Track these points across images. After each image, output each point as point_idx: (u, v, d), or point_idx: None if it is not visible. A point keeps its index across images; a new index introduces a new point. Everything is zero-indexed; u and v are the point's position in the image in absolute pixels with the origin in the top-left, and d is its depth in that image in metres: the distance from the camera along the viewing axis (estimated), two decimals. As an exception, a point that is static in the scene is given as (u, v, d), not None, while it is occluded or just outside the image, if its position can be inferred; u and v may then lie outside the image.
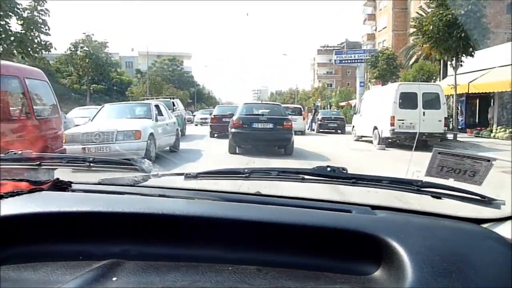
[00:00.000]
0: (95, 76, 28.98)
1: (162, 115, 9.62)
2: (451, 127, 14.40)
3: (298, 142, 14.74)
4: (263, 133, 10.16)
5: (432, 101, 13.75)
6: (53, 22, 30.63)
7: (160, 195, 1.16)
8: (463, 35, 13.96)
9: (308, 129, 24.71)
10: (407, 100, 13.61)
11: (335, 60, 28.80)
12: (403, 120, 13.53)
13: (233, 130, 10.22)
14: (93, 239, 0.93)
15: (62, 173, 1.52)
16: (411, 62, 27.38)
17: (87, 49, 27.78)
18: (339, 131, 22.70)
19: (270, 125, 10.20)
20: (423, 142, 13.61)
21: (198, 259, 0.88)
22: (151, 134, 8.23)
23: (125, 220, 0.94)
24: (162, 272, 0.83)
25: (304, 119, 22.05)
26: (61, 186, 1.17)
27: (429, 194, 1.12)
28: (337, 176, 1.18)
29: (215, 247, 0.91)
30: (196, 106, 62.68)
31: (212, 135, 15.83)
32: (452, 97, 16.75)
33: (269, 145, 10.62)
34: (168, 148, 10.19)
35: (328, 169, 1.18)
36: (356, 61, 28.04)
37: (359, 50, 29.53)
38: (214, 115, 16.53)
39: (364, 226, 0.91)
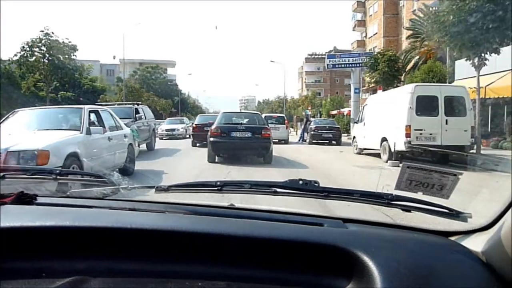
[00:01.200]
0: (57, 81, 25.49)
1: (101, 125, 6.61)
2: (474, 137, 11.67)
3: (290, 154, 12.98)
4: (242, 142, 10.01)
5: (456, 106, 11.12)
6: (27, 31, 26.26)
7: (129, 209, 1.10)
8: (490, 26, 11.29)
9: (299, 140, 22.04)
10: (425, 105, 10.95)
11: (327, 65, 26.14)
12: (421, 130, 10.86)
13: (211, 139, 9.98)
14: (57, 255, 0.88)
15: (28, 186, 1.29)
16: (409, 67, 24.91)
17: (44, 49, 23.90)
18: (334, 142, 20.09)
19: (249, 134, 10.09)
20: (444, 157, 10.97)
21: (167, 275, 0.86)
22: (72, 155, 5.29)
23: (92, 234, 0.91)
24: None
25: (287, 127, 21.16)
26: (25, 199, 1.09)
27: (399, 208, 1.13)
28: (309, 189, 1.18)
29: (185, 262, 0.89)
30: (181, 115, 59.67)
31: (194, 144, 15.63)
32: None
33: (248, 154, 10.53)
34: (116, 170, 7.27)
35: (300, 182, 1.18)
36: (350, 65, 25.44)
37: (353, 54, 26.97)
38: (195, 124, 16.42)
39: (336, 239, 0.90)
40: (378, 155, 12.54)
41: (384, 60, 21.00)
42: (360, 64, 25.29)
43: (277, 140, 18.92)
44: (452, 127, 10.82)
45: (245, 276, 0.86)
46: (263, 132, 10.24)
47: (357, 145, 14.84)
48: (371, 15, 47.38)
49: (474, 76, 14.56)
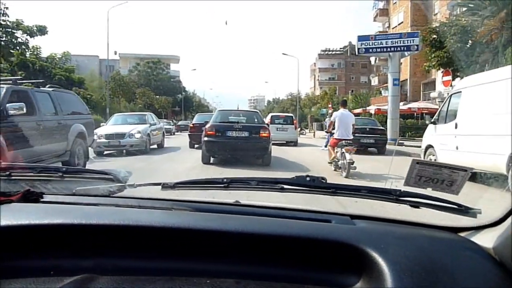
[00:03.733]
0: (22, 70, 19.25)
1: None
2: None
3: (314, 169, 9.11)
4: (238, 142, 9.03)
5: None
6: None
7: (136, 206, 1.08)
8: None
9: (325, 146, 15.76)
10: None
11: (359, 49, 19.80)
12: None
13: (205, 138, 9.07)
14: (65, 253, 0.87)
15: (34, 184, 1.23)
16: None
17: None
18: (373, 149, 13.96)
19: (246, 134, 9.15)
20: None
21: (175, 272, 0.84)
22: None
23: (99, 232, 0.89)
24: (137, 287, 0.80)
25: (296, 128, 18.90)
26: (32, 197, 1.06)
27: (407, 204, 1.11)
28: (316, 186, 1.15)
29: (192, 259, 0.87)
30: (185, 114, 53.75)
31: (192, 146, 13.96)
32: None
33: (245, 155, 9.56)
34: None
35: (307, 178, 1.15)
36: (388, 49, 19.07)
37: (393, 34, 20.54)
38: (193, 124, 14.93)
39: (344, 236, 0.88)
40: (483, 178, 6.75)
41: (455, 32, 14.28)
42: (403, 48, 18.93)
43: (285, 142, 16.82)
44: None
45: (253, 273, 0.84)
46: (261, 132, 9.32)
47: (436, 159, 8.52)
48: (395, 3, 41.06)
49: None
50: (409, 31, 35.21)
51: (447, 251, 0.87)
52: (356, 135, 14.03)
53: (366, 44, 19.72)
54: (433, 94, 33.22)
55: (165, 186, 1.20)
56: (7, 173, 1.22)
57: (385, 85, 44.69)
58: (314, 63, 67.83)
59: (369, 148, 14.12)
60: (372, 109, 28.65)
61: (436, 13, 34.61)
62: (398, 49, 19.00)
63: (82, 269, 0.81)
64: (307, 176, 1.14)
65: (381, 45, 19.35)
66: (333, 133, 8.81)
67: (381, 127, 15.19)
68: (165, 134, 28.79)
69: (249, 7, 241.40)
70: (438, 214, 1.08)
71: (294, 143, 17.24)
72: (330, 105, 30.74)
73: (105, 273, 0.81)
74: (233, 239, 0.87)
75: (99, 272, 0.81)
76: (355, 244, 0.83)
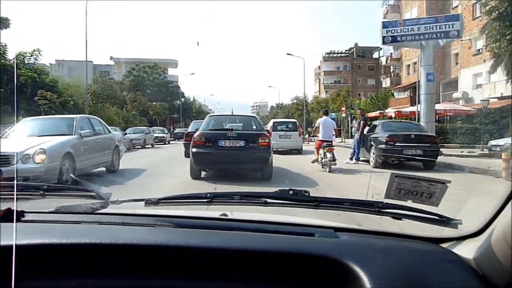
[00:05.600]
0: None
1: None
2: None
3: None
4: (232, 152, 7.65)
5: None
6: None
7: (119, 223, 1.03)
8: None
9: (351, 158, 11.95)
10: None
11: (384, 37, 15.93)
12: None
13: (194, 149, 7.72)
14: (46, 273, 0.84)
15: (14, 203, 1.13)
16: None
17: None
18: (414, 163, 10.12)
19: (242, 143, 7.68)
20: None
21: None
22: None
23: (82, 251, 0.87)
24: None
25: (300, 135, 17.75)
26: (11, 216, 1.01)
27: (389, 215, 1.11)
28: (299, 199, 1.15)
29: (176, 277, 0.86)
30: (185, 121, 49.98)
31: (187, 155, 11.40)
32: None
33: (241, 168, 8.08)
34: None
35: (291, 192, 1.15)
36: (422, 36, 15.23)
37: (427, 19, 16.69)
38: (188, 132, 13.61)
39: (327, 250, 0.88)
40: None
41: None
42: (440, 34, 15.16)
43: (288, 150, 15.99)
44: None
45: None
46: (260, 140, 7.70)
47: None
48: (408, -2, 37.24)
49: None
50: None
51: (429, 263, 0.86)
52: (397, 144, 10.25)
53: (393, 31, 15.86)
54: (456, 95, 29.41)
55: (148, 202, 1.17)
56: None
57: (398, 86, 41.20)
58: (319, 66, 63.94)
59: (406, 162, 10.31)
60: (391, 111, 24.83)
61: (456, 6, 30.91)
62: (434, 36, 15.15)
63: None
64: (290, 189, 1.14)
65: (412, 32, 15.50)
66: (318, 136, 10.28)
67: (431, 134, 11.32)
68: (158, 143, 24.51)
69: (251, 9, 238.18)
70: (420, 225, 1.07)
71: (298, 151, 16.39)
72: (343, 109, 26.83)
73: None
74: (215, 256, 0.85)
75: None
76: (338, 258, 0.83)
